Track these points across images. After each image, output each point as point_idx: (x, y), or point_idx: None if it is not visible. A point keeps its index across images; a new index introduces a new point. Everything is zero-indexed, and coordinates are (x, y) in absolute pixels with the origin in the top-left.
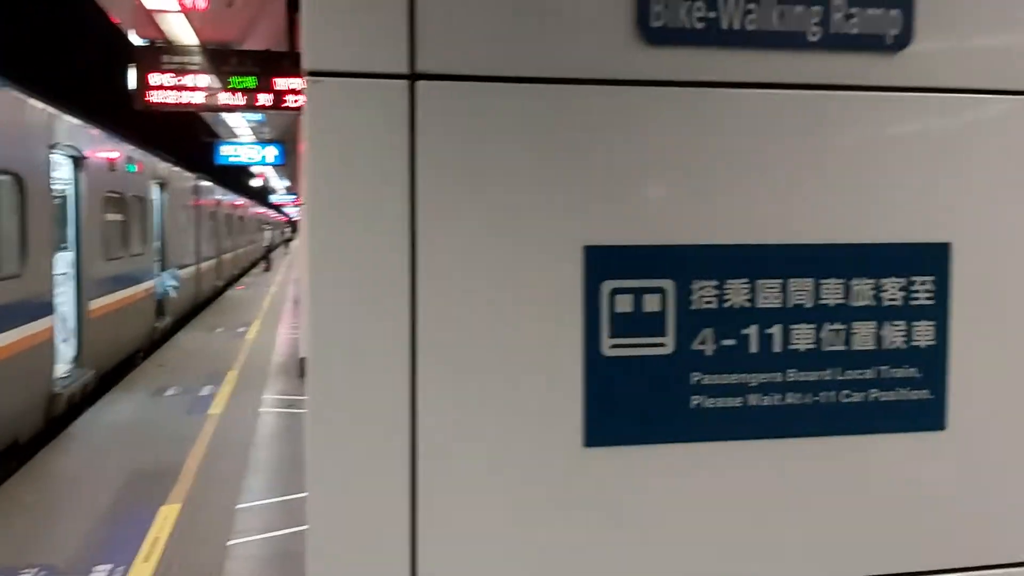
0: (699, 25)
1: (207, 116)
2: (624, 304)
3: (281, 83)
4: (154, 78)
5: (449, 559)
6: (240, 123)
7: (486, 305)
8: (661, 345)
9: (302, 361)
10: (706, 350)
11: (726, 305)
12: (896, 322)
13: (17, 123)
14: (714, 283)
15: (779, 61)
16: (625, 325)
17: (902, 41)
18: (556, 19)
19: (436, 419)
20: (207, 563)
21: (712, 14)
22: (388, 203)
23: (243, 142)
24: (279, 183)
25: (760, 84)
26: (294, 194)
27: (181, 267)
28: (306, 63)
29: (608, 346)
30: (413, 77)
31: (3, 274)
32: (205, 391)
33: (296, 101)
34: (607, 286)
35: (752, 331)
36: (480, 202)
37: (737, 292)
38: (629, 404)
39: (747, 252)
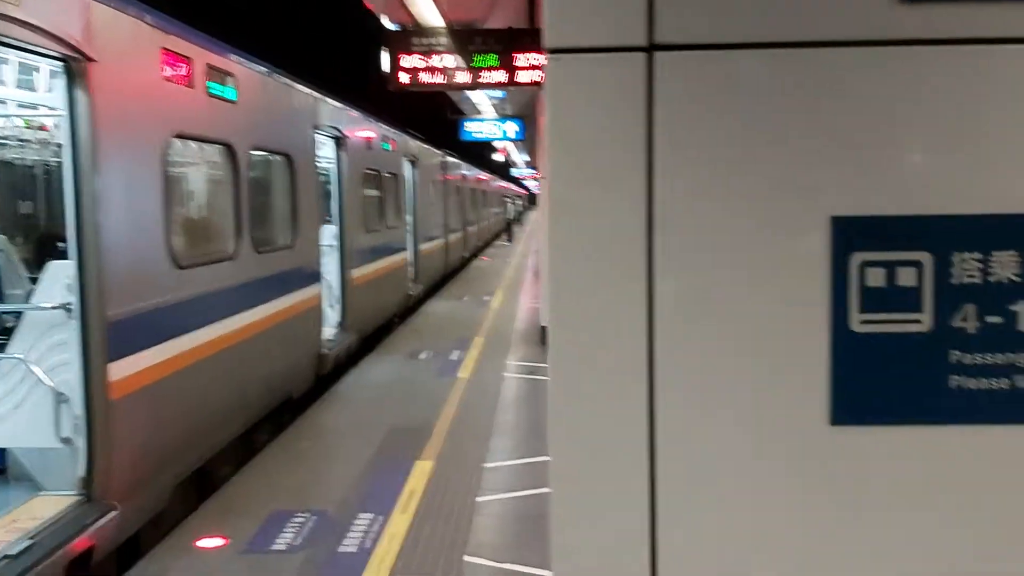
0: None
1: (453, 94)
2: (875, 278)
3: (521, 59)
4: (405, 60)
5: (688, 532)
6: (483, 100)
7: (726, 278)
8: (917, 321)
9: (543, 329)
10: (968, 327)
11: (992, 279)
12: None
13: (286, 107)
14: (977, 255)
15: None
16: (876, 300)
17: None
18: None
19: (674, 392)
20: (458, 517)
21: None
22: (626, 177)
23: (485, 118)
24: (519, 157)
25: None
26: (533, 168)
27: (430, 239)
28: (547, 41)
29: (857, 321)
30: (651, 48)
31: (279, 245)
32: (454, 355)
33: (537, 77)
34: (856, 258)
35: (1021, 308)
36: (720, 173)
37: (1005, 265)
38: (880, 382)
39: (1016, 222)
